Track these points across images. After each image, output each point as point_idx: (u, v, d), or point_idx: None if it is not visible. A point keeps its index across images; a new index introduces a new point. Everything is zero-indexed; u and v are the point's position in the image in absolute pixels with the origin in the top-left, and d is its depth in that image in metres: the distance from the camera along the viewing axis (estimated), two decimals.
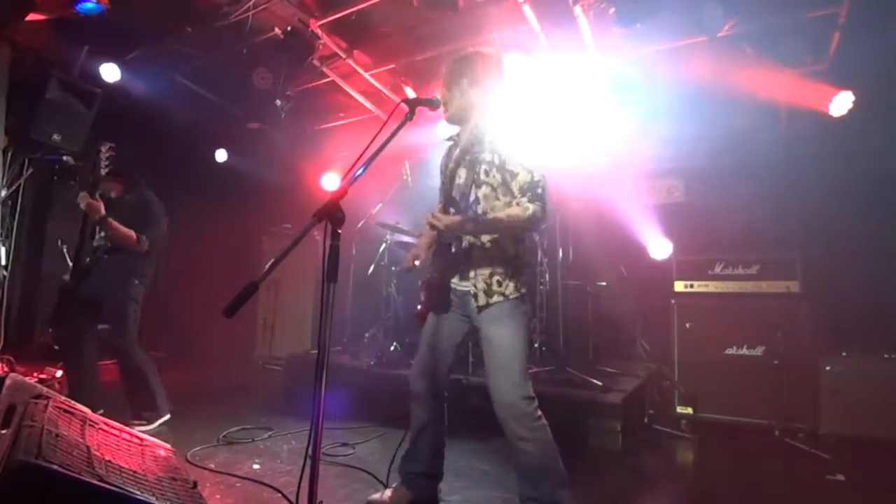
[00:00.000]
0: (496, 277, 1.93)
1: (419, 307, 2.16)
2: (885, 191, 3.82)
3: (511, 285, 1.92)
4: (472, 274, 1.96)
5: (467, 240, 1.97)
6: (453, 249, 1.99)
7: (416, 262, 2.15)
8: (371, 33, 4.49)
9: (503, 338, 1.90)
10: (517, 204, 1.88)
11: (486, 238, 1.95)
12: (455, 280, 2.02)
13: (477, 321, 1.97)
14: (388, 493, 2.18)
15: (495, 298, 1.91)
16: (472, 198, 1.96)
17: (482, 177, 1.94)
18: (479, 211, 1.94)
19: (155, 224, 3.27)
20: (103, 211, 3.00)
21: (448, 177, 2.08)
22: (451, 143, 2.20)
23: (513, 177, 1.91)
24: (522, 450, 1.86)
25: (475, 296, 1.93)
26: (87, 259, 3.15)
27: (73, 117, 4.53)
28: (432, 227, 1.85)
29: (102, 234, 3.11)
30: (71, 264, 3.19)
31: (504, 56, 2.14)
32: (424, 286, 2.11)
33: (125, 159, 3.39)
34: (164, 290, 6.48)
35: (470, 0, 3.90)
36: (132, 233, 3.12)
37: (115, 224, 3.07)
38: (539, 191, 1.88)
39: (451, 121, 2.11)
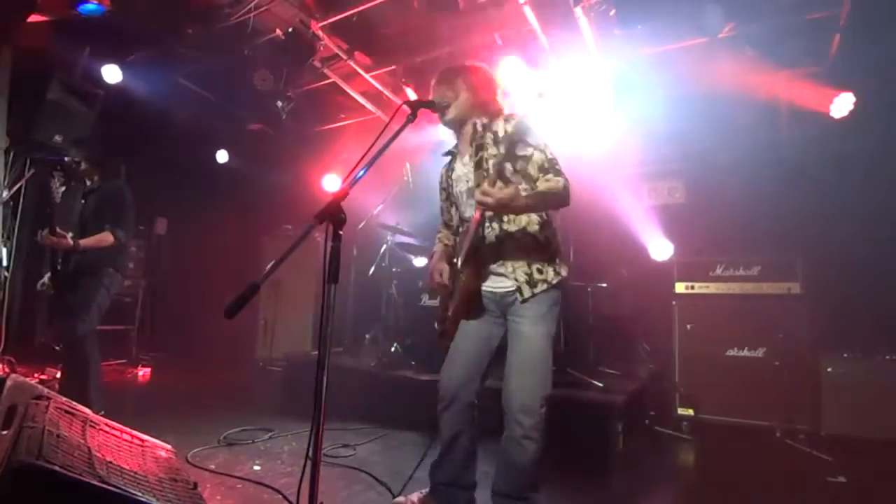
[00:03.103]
0: (535, 266, 1.91)
1: (440, 324, 2.08)
2: (886, 192, 3.81)
3: (551, 271, 1.92)
4: (509, 269, 1.92)
5: (495, 234, 1.94)
6: (487, 240, 1.94)
7: (441, 277, 2.06)
8: (372, 35, 4.50)
9: (536, 338, 1.88)
10: (546, 180, 1.85)
11: (515, 228, 1.93)
12: (489, 283, 1.98)
13: (513, 315, 1.93)
14: (414, 497, 2.12)
15: (539, 287, 1.89)
16: None
17: (492, 172, 1.89)
18: None
19: (128, 214, 3.26)
20: (70, 242, 3.03)
21: (455, 183, 2.08)
22: (449, 157, 2.18)
23: (527, 160, 1.89)
24: (524, 448, 1.83)
25: (519, 289, 1.89)
26: (59, 261, 3.15)
27: (74, 118, 4.54)
28: (482, 204, 1.73)
29: (71, 234, 3.10)
30: (49, 270, 3.19)
31: (495, 70, 2.13)
32: (447, 296, 2.05)
33: (105, 149, 3.40)
34: (164, 290, 6.49)
35: (470, 2, 3.91)
36: (105, 235, 3.11)
37: (87, 242, 3.09)
38: (558, 166, 1.89)
39: (448, 124, 2.08)
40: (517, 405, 1.84)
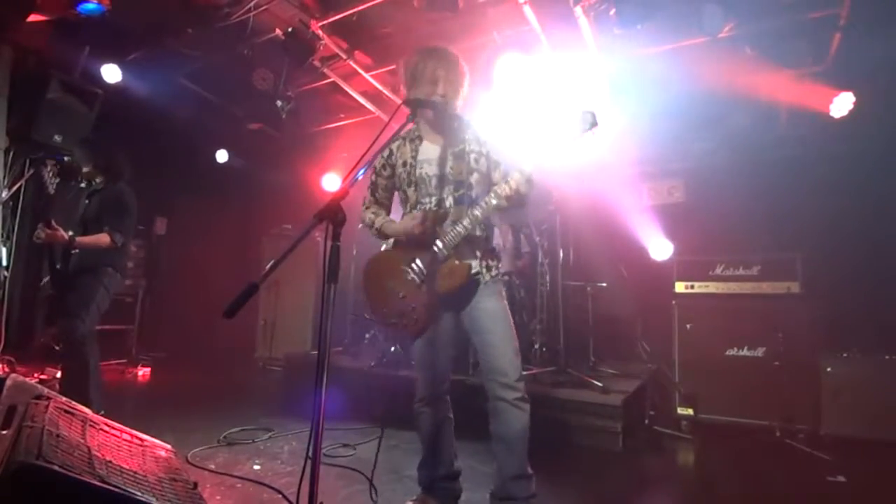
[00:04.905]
0: (488, 259, 2.08)
1: (403, 317, 2.04)
2: (886, 192, 3.82)
3: (495, 265, 2.11)
4: (477, 254, 2.06)
5: (466, 234, 2.00)
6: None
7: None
8: (372, 34, 4.50)
9: (503, 310, 2.03)
10: (505, 182, 1.93)
11: (479, 231, 2.05)
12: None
13: (474, 299, 2.03)
14: None
15: (493, 273, 2.08)
16: (467, 183, 2.04)
17: (473, 164, 2.05)
18: (474, 195, 2.04)
19: (129, 218, 3.25)
20: (66, 236, 3.00)
21: (420, 164, 2.07)
22: (409, 136, 2.13)
23: (496, 166, 2.08)
24: (521, 409, 1.93)
25: (480, 272, 2.04)
26: (58, 263, 3.13)
27: (74, 118, 4.54)
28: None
29: (71, 232, 3.08)
30: (49, 271, 3.17)
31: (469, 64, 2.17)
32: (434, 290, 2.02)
33: (108, 153, 3.38)
34: (164, 290, 6.50)
35: (470, 0, 3.91)
36: (102, 236, 3.09)
37: (84, 240, 3.07)
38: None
39: (438, 117, 2.05)
40: (500, 376, 1.95)
